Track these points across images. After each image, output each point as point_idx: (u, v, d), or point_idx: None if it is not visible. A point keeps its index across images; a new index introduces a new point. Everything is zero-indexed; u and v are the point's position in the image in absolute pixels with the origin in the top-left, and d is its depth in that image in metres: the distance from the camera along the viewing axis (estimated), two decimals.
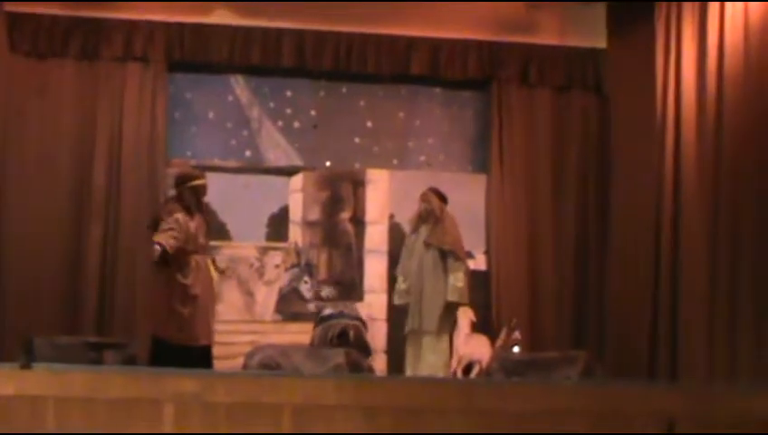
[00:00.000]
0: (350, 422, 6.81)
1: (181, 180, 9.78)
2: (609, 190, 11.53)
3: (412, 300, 10.36)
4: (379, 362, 11.14)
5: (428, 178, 11.12)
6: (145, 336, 10.06)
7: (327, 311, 10.64)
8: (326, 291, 11.53)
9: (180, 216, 9.48)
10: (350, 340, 10.01)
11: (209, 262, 9.74)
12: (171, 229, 9.42)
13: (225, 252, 11.11)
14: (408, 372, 10.28)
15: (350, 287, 11.70)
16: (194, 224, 9.54)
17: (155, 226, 9.56)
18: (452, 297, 10.17)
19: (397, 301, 10.63)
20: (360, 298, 11.61)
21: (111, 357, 9.04)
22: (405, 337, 10.50)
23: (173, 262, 9.43)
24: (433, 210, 10.37)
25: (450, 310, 10.20)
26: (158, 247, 9.37)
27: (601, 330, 11.32)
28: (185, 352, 9.39)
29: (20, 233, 10.87)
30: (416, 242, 10.46)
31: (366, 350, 10.06)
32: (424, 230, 10.39)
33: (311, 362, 9.19)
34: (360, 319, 10.48)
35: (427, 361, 10.18)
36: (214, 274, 9.76)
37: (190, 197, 9.66)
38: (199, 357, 9.40)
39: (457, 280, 10.20)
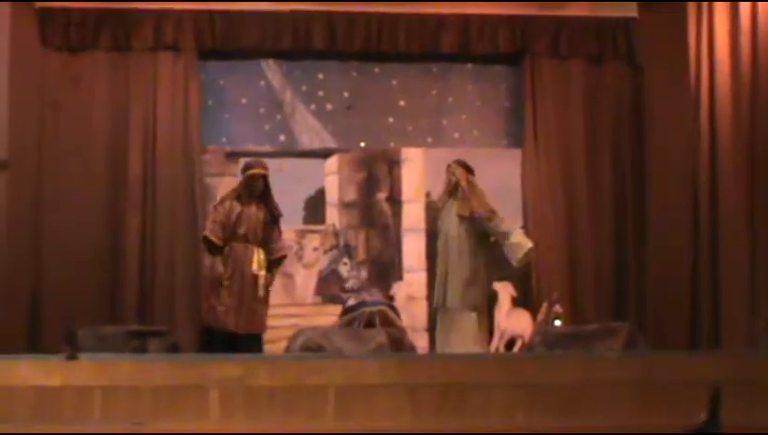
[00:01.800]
0: (393, 400, 6.84)
1: (242, 170, 10.11)
2: (644, 160, 11.46)
3: (438, 275, 10.28)
4: (421, 340, 11.14)
5: (463, 154, 11.06)
6: (190, 322, 10.53)
7: (351, 302, 10.64)
8: (351, 283, 11.51)
9: (228, 202, 9.73)
10: (377, 326, 10.00)
11: (255, 252, 9.80)
12: (215, 218, 9.83)
13: None
14: (438, 348, 10.23)
15: (389, 267, 11.72)
16: (239, 212, 9.70)
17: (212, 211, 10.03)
18: (521, 256, 10.05)
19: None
20: (399, 277, 11.63)
21: (154, 345, 9.10)
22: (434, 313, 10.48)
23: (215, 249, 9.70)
24: (458, 181, 10.27)
25: (475, 284, 10.10)
26: (203, 237, 9.90)
27: (642, 301, 11.26)
28: (214, 337, 9.70)
29: (58, 226, 10.93)
30: (444, 218, 10.37)
31: (397, 330, 10.03)
32: (451, 204, 10.29)
33: (352, 343, 9.21)
34: (384, 303, 10.42)
35: (455, 336, 10.08)
36: (257, 265, 9.81)
37: (244, 186, 9.90)
38: (230, 344, 9.50)
39: (513, 237, 10.09)
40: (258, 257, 9.81)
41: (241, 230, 9.76)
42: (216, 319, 9.71)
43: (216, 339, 9.69)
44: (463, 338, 10.01)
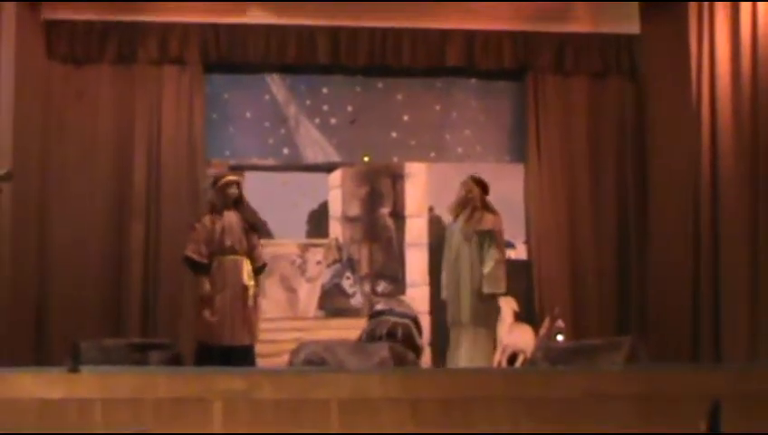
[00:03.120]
0: (396, 415, 6.83)
1: (212, 183, 9.98)
2: (647, 175, 11.49)
3: (450, 291, 10.24)
4: (423, 355, 11.12)
5: (466, 169, 11.06)
6: (189, 335, 10.44)
7: (379, 306, 10.60)
8: (382, 286, 11.51)
9: (207, 218, 9.67)
10: (398, 338, 9.99)
11: (243, 263, 9.79)
12: (194, 237, 9.70)
13: (267, 250, 11.12)
14: (449, 364, 10.20)
15: (393, 281, 11.72)
16: (220, 225, 9.65)
17: (189, 232, 9.83)
18: (487, 289, 9.93)
19: (443, 295, 10.47)
20: (402, 292, 11.64)
21: (156, 358, 9.10)
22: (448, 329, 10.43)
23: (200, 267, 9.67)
24: (473, 197, 10.20)
25: (487, 300, 10.05)
26: (185, 257, 9.75)
27: (644, 315, 11.28)
28: (209, 351, 9.60)
29: (62, 237, 10.96)
30: (453, 232, 10.34)
31: (415, 349, 10.01)
32: (462, 219, 10.24)
33: (356, 357, 9.20)
34: (411, 317, 10.39)
35: (466, 352, 10.05)
36: (247, 276, 9.78)
37: (218, 197, 9.82)
38: (222, 358, 9.47)
39: (486, 267, 10.01)
40: (247, 268, 9.76)
41: (227, 243, 9.69)
42: (212, 334, 9.62)
43: (210, 353, 9.61)
44: (475, 353, 9.97)
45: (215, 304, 9.59)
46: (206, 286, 9.61)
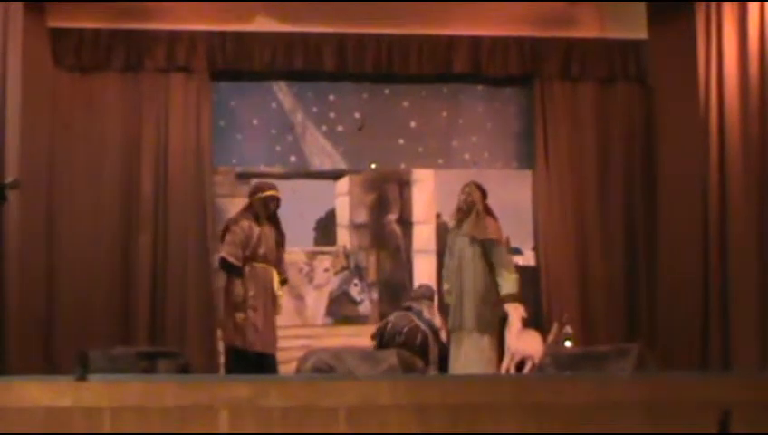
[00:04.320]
0: (404, 422, 6.82)
1: (253, 191, 10.07)
2: (655, 181, 11.46)
3: (453, 297, 10.16)
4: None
5: (474, 176, 11.03)
6: (200, 343, 10.71)
7: (411, 303, 10.54)
8: (418, 292, 11.36)
9: (246, 223, 9.71)
10: (416, 344, 9.95)
11: (274, 273, 9.85)
12: (231, 240, 9.74)
13: None
14: (452, 370, 10.14)
15: (400, 288, 11.71)
16: (258, 232, 9.72)
17: (223, 234, 9.90)
18: (509, 289, 9.83)
19: (446, 300, 10.42)
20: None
21: (164, 366, 9.10)
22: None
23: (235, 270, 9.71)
24: (474, 202, 10.11)
25: (490, 306, 10.00)
26: (221, 259, 9.83)
27: (653, 322, 11.25)
28: (243, 357, 9.63)
29: (70, 246, 10.98)
30: (456, 238, 10.20)
31: (425, 358, 9.98)
32: (465, 226, 10.15)
33: (364, 365, 9.19)
34: (434, 328, 10.35)
35: (469, 359, 9.98)
36: (277, 286, 9.85)
37: (259, 207, 9.91)
38: (256, 364, 9.51)
39: (510, 271, 9.94)
40: (277, 278, 9.86)
41: (261, 250, 9.78)
42: (244, 339, 9.68)
43: (246, 358, 9.65)
44: (478, 359, 9.92)
45: (248, 309, 9.64)
46: (241, 290, 9.65)
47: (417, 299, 10.52)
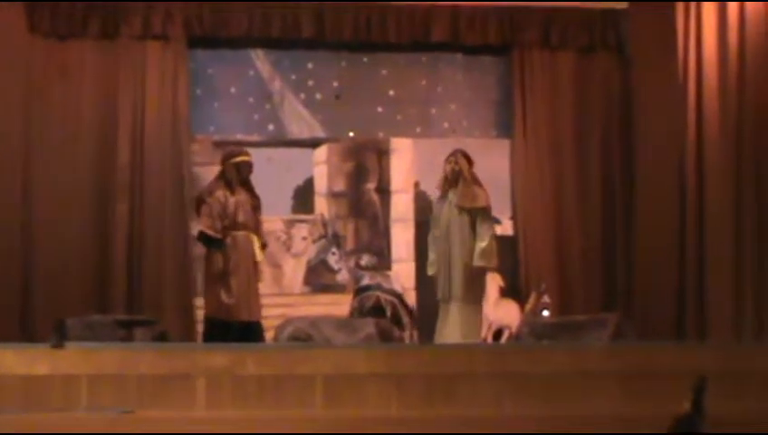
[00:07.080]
0: (381, 390, 6.84)
1: (225, 157, 9.88)
2: (633, 150, 11.47)
3: (441, 267, 10.04)
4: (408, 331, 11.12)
5: (452, 144, 10.97)
6: (177, 311, 10.70)
7: (365, 281, 10.57)
8: (365, 259, 11.48)
9: (220, 193, 9.60)
10: (387, 315, 9.95)
11: (254, 239, 9.75)
12: (207, 212, 9.60)
13: None
14: (437, 339, 10.08)
15: (378, 257, 11.71)
16: (234, 200, 9.61)
17: (198, 206, 9.76)
18: (479, 262, 9.60)
19: (429, 272, 10.28)
20: (387, 267, 11.61)
21: (141, 334, 9.07)
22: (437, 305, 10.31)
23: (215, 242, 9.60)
24: (461, 171, 9.99)
25: (479, 276, 9.91)
26: (200, 232, 9.68)
27: (630, 291, 11.28)
28: (226, 327, 9.49)
29: (46, 214, 10.92)
30: (442, 207, 9.96)
31: (400, 324, 9.98)
32: (452, 195, 10.03)
33: (341, 333, 9.20)
34: (397, 294, 10.35)
35: (456, 328, 9.92)
36: (257, 252, 9.77)
37: (232, 173, 9.72)
38: (242, 332, 9.43)
39: (483, 241, 9.82)
40: (257, 243, 9.76)
41: (240, 218, 9.67)
42: (229, 310, 9.56)
43: (226, 330, 9.55)
44: (466, 329, 9.82)
45: (231, 280, 9.55)
46: (221, 262, 9.56)
47: (370, 274, 10.56)
